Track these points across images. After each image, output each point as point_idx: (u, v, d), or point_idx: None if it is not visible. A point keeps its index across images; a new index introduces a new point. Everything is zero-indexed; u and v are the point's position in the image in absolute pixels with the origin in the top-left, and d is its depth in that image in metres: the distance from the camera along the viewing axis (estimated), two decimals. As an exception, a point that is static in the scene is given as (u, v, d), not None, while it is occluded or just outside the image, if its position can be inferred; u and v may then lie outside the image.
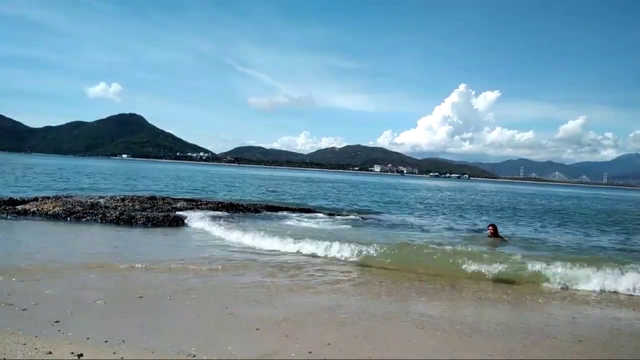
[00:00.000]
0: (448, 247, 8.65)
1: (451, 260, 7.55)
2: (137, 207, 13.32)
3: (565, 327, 4.93)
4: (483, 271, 7.06)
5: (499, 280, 6.90)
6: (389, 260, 7.74)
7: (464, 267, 7.25)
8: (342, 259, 8.05)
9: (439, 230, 13.37)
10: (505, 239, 11.64)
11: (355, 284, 6.43)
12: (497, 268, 7.09)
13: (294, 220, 13.34)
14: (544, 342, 4.39)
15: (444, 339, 4.33)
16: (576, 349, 4.25)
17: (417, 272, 7.26)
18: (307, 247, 8.60)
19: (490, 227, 11.69)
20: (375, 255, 7.95)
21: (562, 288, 6.68)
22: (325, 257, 8.18)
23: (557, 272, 6.91)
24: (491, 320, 5.01)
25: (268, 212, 14.70)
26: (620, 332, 4.87)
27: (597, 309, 5.82)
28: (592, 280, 6.73)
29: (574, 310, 5.65)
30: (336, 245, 8.42)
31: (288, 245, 8.79)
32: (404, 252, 8.16)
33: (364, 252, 8.03)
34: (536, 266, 7.09)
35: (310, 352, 3.81)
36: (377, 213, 17.46)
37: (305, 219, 13.76)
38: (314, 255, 8.29)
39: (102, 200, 13.83)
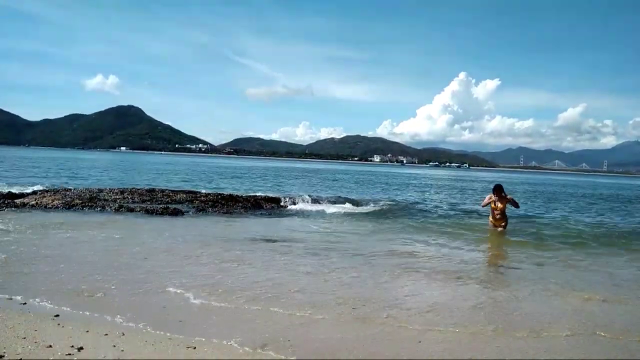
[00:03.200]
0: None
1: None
2: (136, 199, 13.33)
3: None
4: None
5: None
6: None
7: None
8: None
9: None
10: (504, 228, 10.04)
11: None
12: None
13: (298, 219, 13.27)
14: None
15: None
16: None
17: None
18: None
19: (496, 193, 9.83)
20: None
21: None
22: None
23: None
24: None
25: (268, 205, 14.66)
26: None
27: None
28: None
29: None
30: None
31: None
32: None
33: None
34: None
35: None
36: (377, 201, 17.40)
37: (308, 215, 13.71)
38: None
39: (101, 193, 13.80)
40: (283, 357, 3.55)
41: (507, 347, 3.96)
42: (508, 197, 10.02)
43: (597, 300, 5.51)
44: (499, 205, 9.94)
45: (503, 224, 10.11)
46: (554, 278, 6.51)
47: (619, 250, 9.30)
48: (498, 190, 9.90)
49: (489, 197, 10.01)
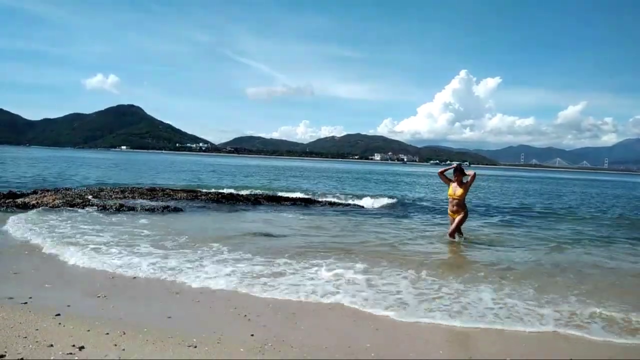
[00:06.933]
0: None
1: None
2: (137, 198, 13.34)
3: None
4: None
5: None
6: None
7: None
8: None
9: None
10: (459, 237, 8.71)
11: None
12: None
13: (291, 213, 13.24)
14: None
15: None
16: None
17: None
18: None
19: (457, 174, 8.61)
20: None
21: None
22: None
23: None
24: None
25: (268, 203, 14.67)
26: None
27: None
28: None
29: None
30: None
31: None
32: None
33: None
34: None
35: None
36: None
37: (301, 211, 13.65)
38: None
39: (102, 193, 13.81)
40: (283, 357, 3.55)
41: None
42: (469, 180, 8.59)
43: None
44: (457, 191, 8.54)
45: (460, 216, 8.63)
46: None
47: None
48: (459, 172, 8.63)
49: (450, 174, 8.77)
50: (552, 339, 4.19)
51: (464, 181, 8.62)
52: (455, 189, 8.60)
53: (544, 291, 5.58)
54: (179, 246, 7.46)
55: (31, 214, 10.17)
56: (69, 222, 9.33)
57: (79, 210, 11.00)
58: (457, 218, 8.67)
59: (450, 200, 8.72)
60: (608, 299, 5.35)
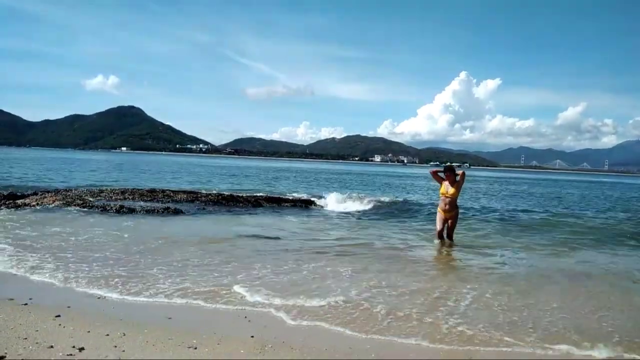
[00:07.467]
0: None
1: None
2: (137, 199, 13.37)
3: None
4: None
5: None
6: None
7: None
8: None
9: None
10: (453, 243, 8.76)
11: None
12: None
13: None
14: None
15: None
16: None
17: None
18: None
19: (447, 174, 8.64)
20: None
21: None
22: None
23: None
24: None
25: (268, 204, 14.68)
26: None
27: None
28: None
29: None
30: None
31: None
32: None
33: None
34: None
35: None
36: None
37: (307, 214, 13.65)
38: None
39: (102, 194, 13.82)
40: (284, 358, 3.55)
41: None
42: (459, 179, 8.58)
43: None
44: (450, 190, 8.56)
45: (453, 219, 8.77)
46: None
47: None
48: (450, 172, 8.69)
49: (441, 174, 8.79)
50: (546, 353, 4.18)
51: (457, 179, 8.66)
52: (447, 188, 8.63)
53: (540, 301, 5.47)
54: (146, 251, 7.08)
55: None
56: (39, 224, 9.01)
57: (69, 207, 11.08)
58: (450, 221, 8.75)
59: (442, 198, 8.73)
60: (600, 309, 5.24)
